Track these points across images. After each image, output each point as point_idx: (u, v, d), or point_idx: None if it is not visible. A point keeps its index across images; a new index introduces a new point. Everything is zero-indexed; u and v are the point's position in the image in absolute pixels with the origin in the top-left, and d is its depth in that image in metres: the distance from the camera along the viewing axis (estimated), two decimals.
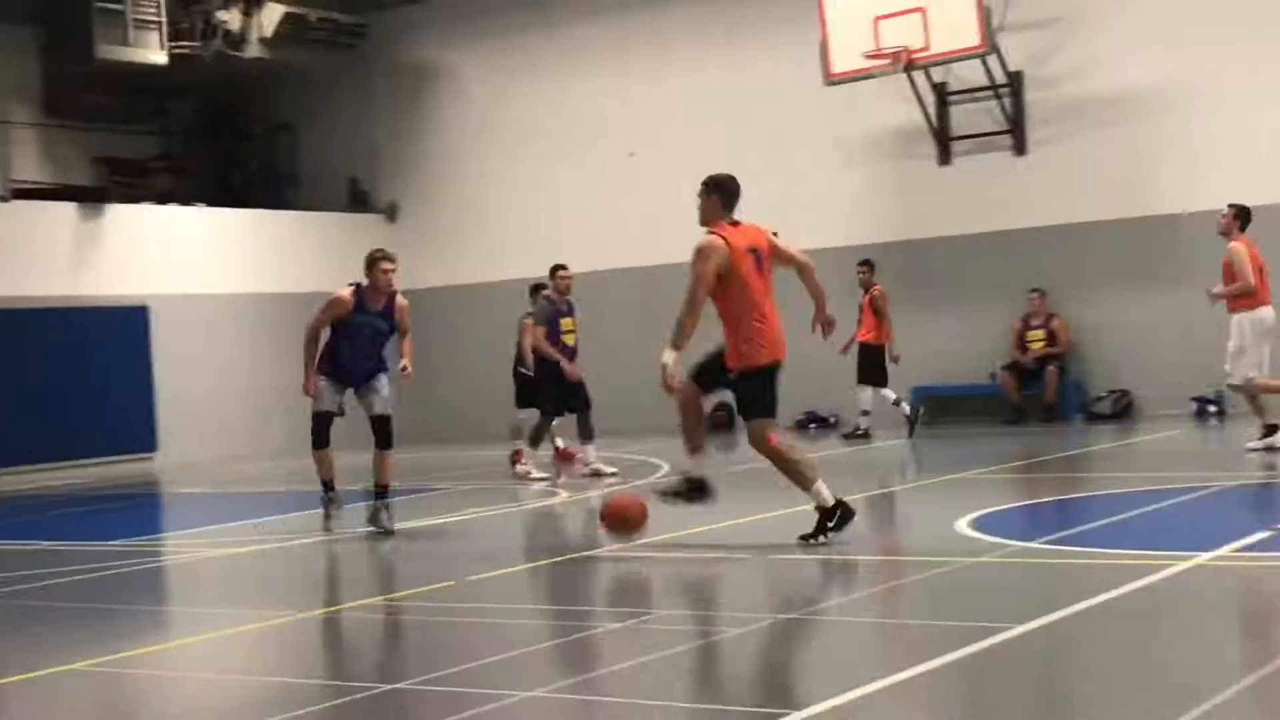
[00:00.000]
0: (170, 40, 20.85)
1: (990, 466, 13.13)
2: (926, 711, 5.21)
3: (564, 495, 12.63)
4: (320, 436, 10.65)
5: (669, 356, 8.55)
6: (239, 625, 7.76)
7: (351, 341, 10.56)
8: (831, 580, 8.02)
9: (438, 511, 12.06)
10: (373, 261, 10.60)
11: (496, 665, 6.19)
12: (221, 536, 10.63)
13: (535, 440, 14.22)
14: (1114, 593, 6.73)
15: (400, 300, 10.69)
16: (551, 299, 14.25)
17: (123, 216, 20.35)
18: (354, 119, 23.36)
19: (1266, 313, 12.59)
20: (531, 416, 14.35)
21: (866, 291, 16.82)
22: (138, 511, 15.19)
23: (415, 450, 19.10)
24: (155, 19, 20.72)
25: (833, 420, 18.84)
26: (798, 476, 8.70)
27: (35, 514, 14.78)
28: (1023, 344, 18.15)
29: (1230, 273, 12.57)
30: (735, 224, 8.80)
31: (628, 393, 20.39)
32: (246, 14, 21.29)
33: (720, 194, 8.86)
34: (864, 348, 16.76)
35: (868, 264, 17.01)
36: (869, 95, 18.33)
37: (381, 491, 10.61)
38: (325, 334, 10.63)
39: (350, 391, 10.73)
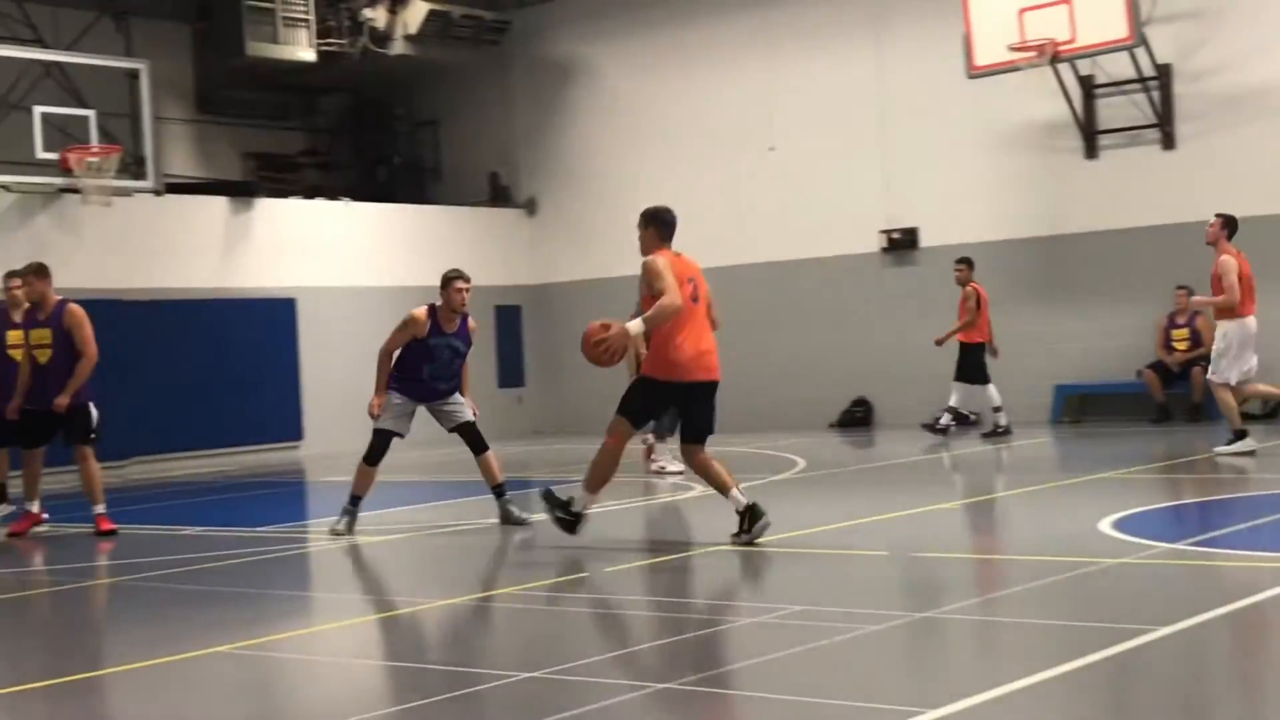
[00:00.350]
0: (318, 38, 21.32)
1: (1134, 466, 12.88)
2: (1067, 712, 5.13)
3: (697, 489, 12.63)
4: (375, 454, 10.68)
5: (636, 327, 8.80)
6: (379, 611, 7.89)
7: (432, 364, 10.56)
8: (970, 579, 7.93)
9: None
10: (447, 281, 10.55)
11: (629, 656, 6.23)
12: (363, 525, 10.82)
13: (659, 434, 14.29)
14: (1260, 596, 6.58)
15: (471, 323, 10.70)
16: None
17: (271, 210, 20.76)
18: (495, 114, 23.60)
19: (1250, 322, 13.00)
20: None
21: (964, 289, 16.66)
22: (284, 498, 15.53)
23: (551, 443, 19.25)
24: (304, 17, 21.19)
25: (973, 419, 18.61)
26: (596, 476, 9.15)
27: (185, 500, 15.15)
28: (1168, 343, 17.76)
29: (1219, 285, 12.94)
30: (677, 255, 9.12)
31: (766, 388, 20.43)
32: (392, 12, 21.65)
33: (657, 225, 9.24)
34: (963, 347, 16.67)
35: (965, 261, 16.79)
36: (1014, 88, 18.06)
37: (499, 490, 10.68)
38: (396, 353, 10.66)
39: (421, 408, 10.78)
